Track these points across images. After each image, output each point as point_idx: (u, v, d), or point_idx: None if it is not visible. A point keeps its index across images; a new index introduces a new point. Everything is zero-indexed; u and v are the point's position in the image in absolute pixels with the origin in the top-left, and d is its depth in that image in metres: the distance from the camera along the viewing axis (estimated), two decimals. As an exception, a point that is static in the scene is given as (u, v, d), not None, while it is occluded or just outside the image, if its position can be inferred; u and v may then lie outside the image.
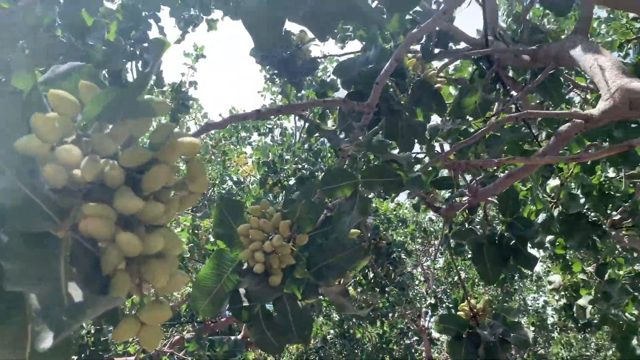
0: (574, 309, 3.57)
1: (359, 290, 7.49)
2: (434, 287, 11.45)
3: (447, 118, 2.06)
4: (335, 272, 1.30)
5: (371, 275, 6.88)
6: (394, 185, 1.08)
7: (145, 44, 3.27)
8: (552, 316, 12.26)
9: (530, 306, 13.54)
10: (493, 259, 2.03)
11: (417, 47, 2.51)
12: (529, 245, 3.12)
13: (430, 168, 2.15)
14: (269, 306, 1.37)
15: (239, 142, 7.23)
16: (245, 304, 1.26)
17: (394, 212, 7.39)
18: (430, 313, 10.54)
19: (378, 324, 8.49)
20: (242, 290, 1.29)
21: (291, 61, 3.15)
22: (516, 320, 2.31)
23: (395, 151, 1.13)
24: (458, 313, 2.54)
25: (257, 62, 3.23)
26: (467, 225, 2.18)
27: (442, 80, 1.78)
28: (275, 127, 6.86)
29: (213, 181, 6.72)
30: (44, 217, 0.58)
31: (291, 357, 10.38)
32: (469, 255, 2.23)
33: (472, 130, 2.19)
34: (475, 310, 2.57)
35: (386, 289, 7.22)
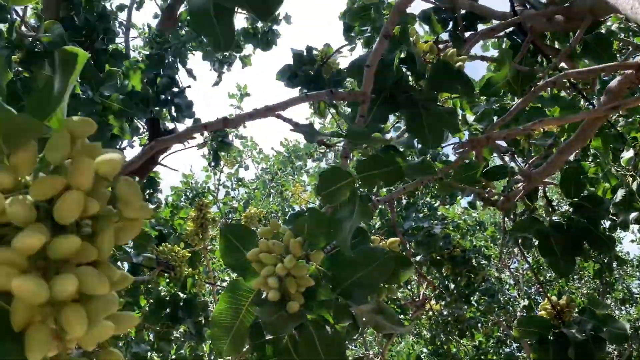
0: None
1: (442, 304, 7.16)
2: (525, 288, 10.82)
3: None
4: (365, 289, 1.14)
5: (452, 286, 6.54)
6: (393, 175, 0.92)
7: (176, 89, 3.29)
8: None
9: (637, 294, 12.44)
10: (563, 247, 1.78)
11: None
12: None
13: (473, 157, 1.96)
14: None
15: (295, 172, 7.21)
16: (269, 337, 1.13)
17: (462, 218, 7.04)
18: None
19: (470, 335, 8.04)
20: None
21: (319, 78, 3.05)
22: (607, 312, 2.04)
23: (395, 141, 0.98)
24: (539, 313, 2.28)
25: (285, 86, 3.17)
26: (527, 215, 1.95)
27: (464, 59, 1.60)
28: (328, 151, 6.80)
29: (276, 214, 6.70)
30: None
31: (387, 381, 10.06)
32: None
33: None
34: (558, 307, 2.30)
35: (471, 299, 6.84)
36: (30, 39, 2.11)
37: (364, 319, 1.19)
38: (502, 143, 2.32)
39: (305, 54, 3.04)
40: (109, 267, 0.59)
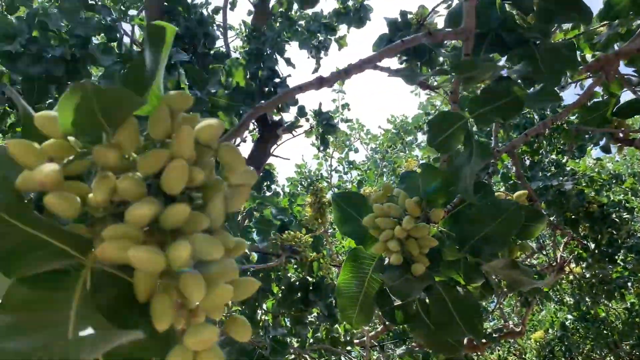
0: None
1: (583, 266, 6.64)
2: (679, 241, 9.71)
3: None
4: (495, 245, 1.06)
5: (593, 246, 6.03)
6: (511, 107, 0.82)
7: (277, 80, 3.35)
8: None
9: None
10: None
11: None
12: None
13: (601, 95, 1.76)
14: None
15: (405, 147, 7.06)
16: (397, 302, 1.09)
17: (596, 171, 6.44)
18: (685, 272, 8.91)
19: (620, 297, 7.40)
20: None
21: (416, 42, 2.93)
22: None
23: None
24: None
25: (383, 57, 3.08)
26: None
27: (576, -17, 1.42)
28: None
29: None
30: (56, 256, 0.51)
31: (532, 350, 9.59)
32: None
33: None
34: None
35: (616, 257, 6.26)
36: (138, 51, 2.25)
37: (496, 277, 1.11)
38: (633, 75, 2.06)
39: (399, 19, 2.94)
40: (223, 234, 0.58)
